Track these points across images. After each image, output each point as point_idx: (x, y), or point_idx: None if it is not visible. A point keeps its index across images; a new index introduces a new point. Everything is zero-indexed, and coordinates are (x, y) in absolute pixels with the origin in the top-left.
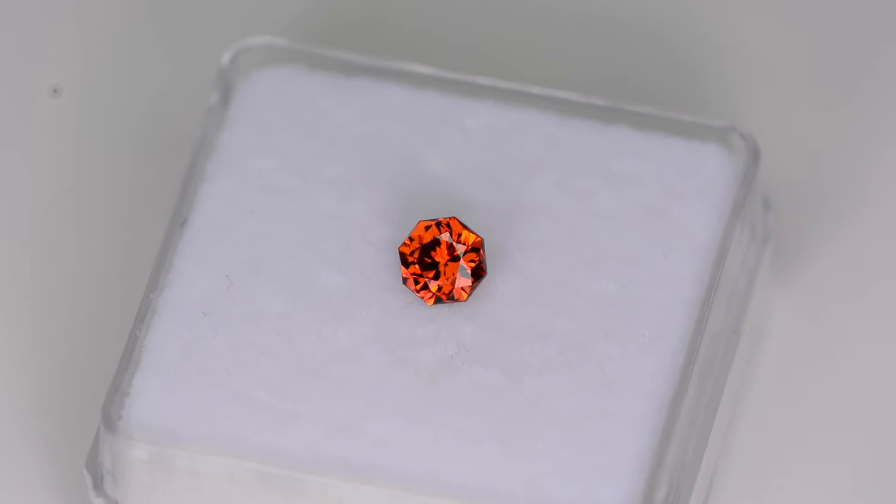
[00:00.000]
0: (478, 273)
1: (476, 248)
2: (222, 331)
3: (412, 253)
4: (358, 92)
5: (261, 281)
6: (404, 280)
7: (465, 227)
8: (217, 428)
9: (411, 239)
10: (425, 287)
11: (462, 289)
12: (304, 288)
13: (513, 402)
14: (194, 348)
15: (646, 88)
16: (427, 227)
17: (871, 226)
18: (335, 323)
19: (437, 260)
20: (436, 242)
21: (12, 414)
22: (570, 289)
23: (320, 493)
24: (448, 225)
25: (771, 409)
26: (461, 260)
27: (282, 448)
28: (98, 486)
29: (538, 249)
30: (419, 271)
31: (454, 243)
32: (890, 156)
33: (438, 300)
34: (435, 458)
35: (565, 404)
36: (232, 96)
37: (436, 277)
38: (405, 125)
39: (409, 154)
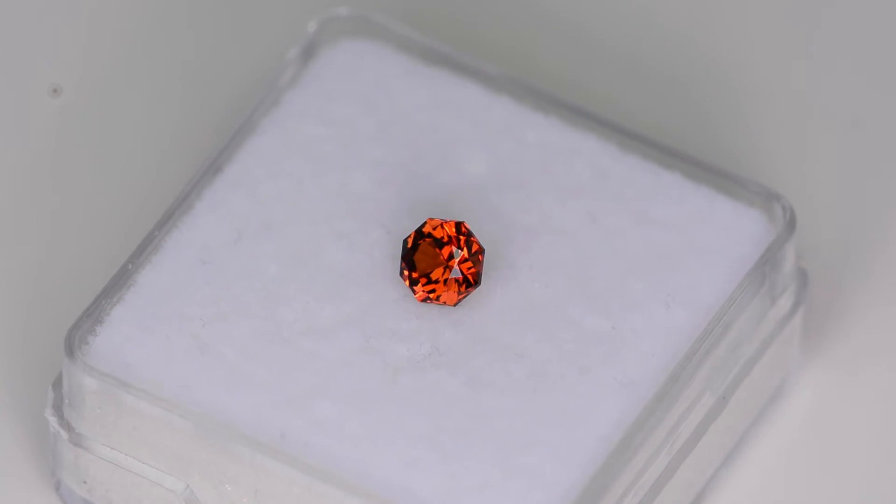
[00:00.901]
0: (470, 281)
1: (476, 257)
2: (214, 282)
3: (412, 248)
4: (432, 81)
5: (268, 242)
6: (400, 272)
7: (471, 233)
8: (171, 374)
9: (417, 233)
10: (417, 283)
11: (451, 293)
12: (307, 259)
13: (464, 413)
14: (180, 293)
15: (691, 139)
16: (435, 227)
17: None
18: (324, 299)
19: (434, 260)
20: (438, 243)
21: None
22: (563, 318)
23: (248, 461)
24: (456, 227)
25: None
26: (456, 264)
27: (226, 407)
28: (57, 405)
29: (546, 273)
30: (414, 267)
31: (454, 248)
32: None
33: (428, 298)
34: (367, 451)
35: (514, 428)
36: (311, 60)
37: (427, 276)
38: (465, 124)
39: (459, 153)
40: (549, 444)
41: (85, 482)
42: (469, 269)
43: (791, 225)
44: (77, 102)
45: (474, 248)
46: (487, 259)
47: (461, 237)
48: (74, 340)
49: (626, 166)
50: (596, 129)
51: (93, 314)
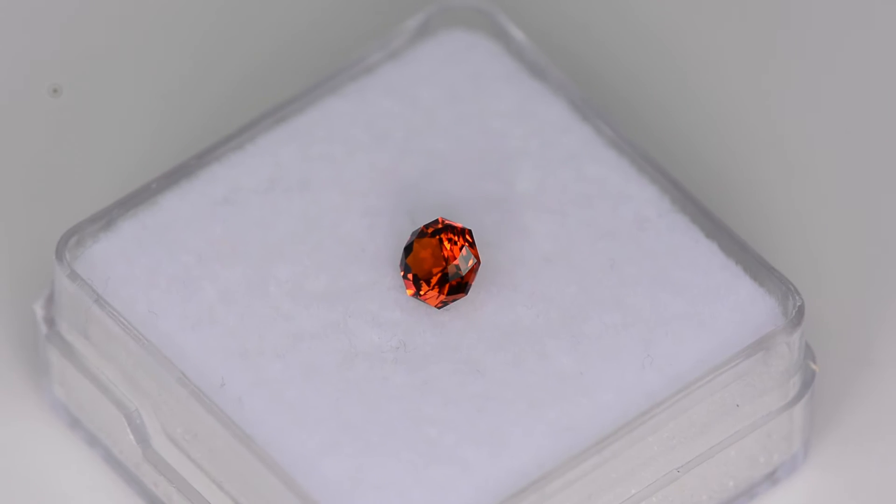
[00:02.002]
0: (456, 289)
1: (471, 268)
2: (228, 223)
3: (412, 243)
4: (523, 90)
5: (296, 200)
6: (400, 261)
7: (474, 244)
8: (146, 297)
9: (424, 230)
10: (408, 276)
11: (436, 295)
12: (324, 226)
13: (401, 412)
14: (192, 224)
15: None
16: (443, 228)
17: None
18: (322, 268)
19: (429, 258)
20: (439, 244)
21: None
22: (538, 350)
23: (184, 401)
24: (462, 233)
25: None
26: (448, 269)
27: (182, 343)
28: (48, 300)
29: (543, 302)
30: (408, 263)
31: (452, 253)
32: None
33: (417, 294)
34: (293, 422)
35: (441, 440)
36: (420, 40)
37: (418, 272)
38: (535, 141)
39: (515, 167)
40: (467, 464)
41: (61, 384)
42: (461, 277)
43: (795, 321)
44: (77, 102)
45: (471, 258)
46: (494, 275)
47: (463, 244)
48: (69, 241)
49: (670, 223)
50: (658, 181)
51: (99, 220)
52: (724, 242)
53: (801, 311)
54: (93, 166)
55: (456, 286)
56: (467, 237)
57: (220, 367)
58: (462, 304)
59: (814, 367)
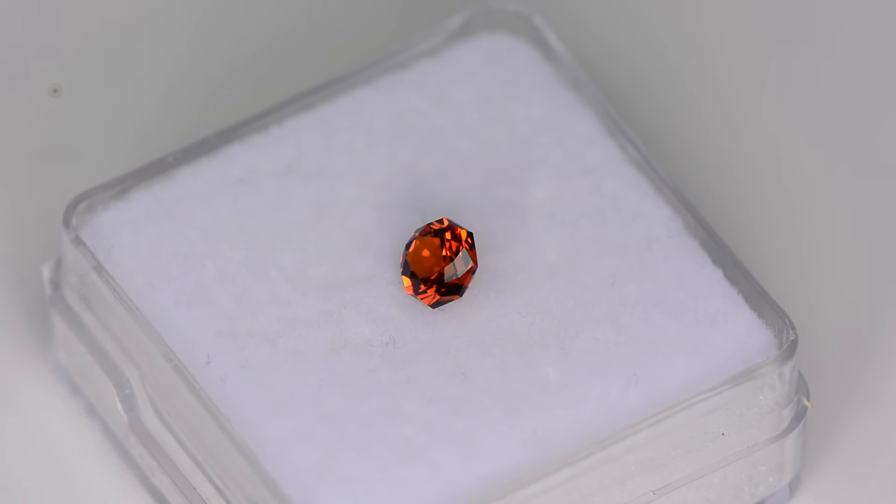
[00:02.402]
0: (450, 291)
1: (468, 271)
2: (239, 203)
3: (413, 240)
4: (555, 101)
5: (311, 187)
6: (401, 259)
7: (473, 246)
8: (146, 269)
9: (427, 228)
10: (405, 273)
11: (431, 294)
12: (335, 215)
13: (380, 408)
14: (204, 201)
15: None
16: (445, 228)
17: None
18: (325, 256)
19: (427, 257)
20: (440, 244)
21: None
22: (526, 360)
23: (167, 376)
24: (466, 241)
25: None
26: (444, 270)
27: (173, 317)
28: (56, 264)
29: (539, 313)
30: (407, 260)
31: (450, 256)
32: None
33: (413, 291)
34: (271, 407)
35: (415, 439)
36: (460, 39)
37: (414, 272)
38: (558, 151)
39: (533, 175)
40: (436, 466)
41: (63, 350)
42: (456, 280)
43: (786, 355)
44: (77, 102)
45: (469, 262)
46: (494, 280)
47: (463, 247)
48: (78, 207)
49: (678, 245)
50: (673, 203)
51: (112, 188)
52: (728, 270)
53: (793, 345)
54: (115, 134)
55: (450, 288)
56: (468, 240)
57: (208, 346)
58: (458, 305)
59: (807, 403)
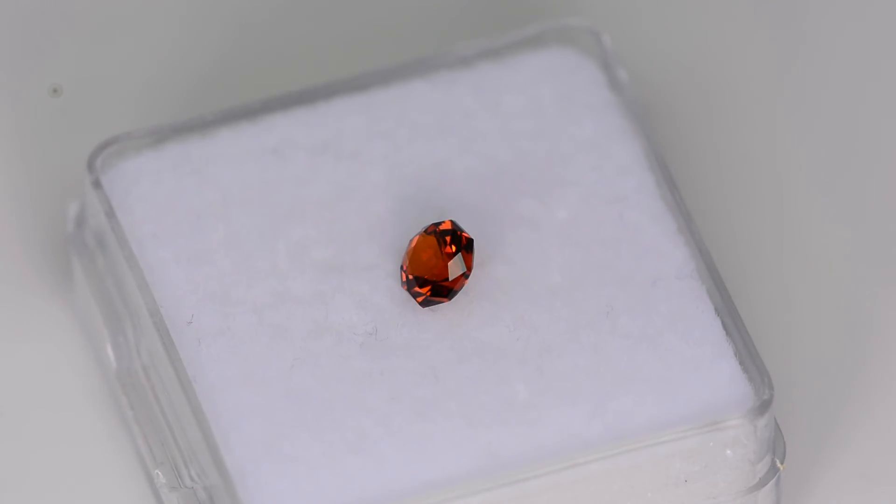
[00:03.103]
0: (439, 292)
1: (459, 276)
2: (266, 172)
3: (419, 237)
4: (604, 124)
5: (339, 168)
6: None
7: (471, 253)
8: (155, 220)
9: (434, 228)
10: (402, 269)
11: (422, 293)
12: (354, 200)
13: (343, 396)
14: (232, 163)
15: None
16: (448, 231)
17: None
18: (334, 238)
19: (425, 256)
20: (439, 245)
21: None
22: (499, 375)
23: (148, 330)
24: (462, 241)
25: None
26: (436, 272)
27: (168, 273)
28: (82, 204)
29: (527, 331)
30: (406, 256)
31: (445, 258)
32: None
33: (405, 285)
34: (234, 376)
35: (367, 432)
36: (525, 49)
37: (410, 268)
38: (592, 175)
39: (558, 194)
40: (383, 463)
41: (79, 290)
42: (445, 283)
43: (758, 412)
44: (77, 102)
45: (462, 267)
46: (493, 290)
47: (459, 252)
48: (106, 150)
49: (684, 288)
50: (692, 246)
51: (146, 137)
52: (726, 321)
53: (766, 404)
54: (164, 85)
55: (440, 289)
56: (465, 246)
57: (196, 306)
58: (450, 309)
59: (779, 465)
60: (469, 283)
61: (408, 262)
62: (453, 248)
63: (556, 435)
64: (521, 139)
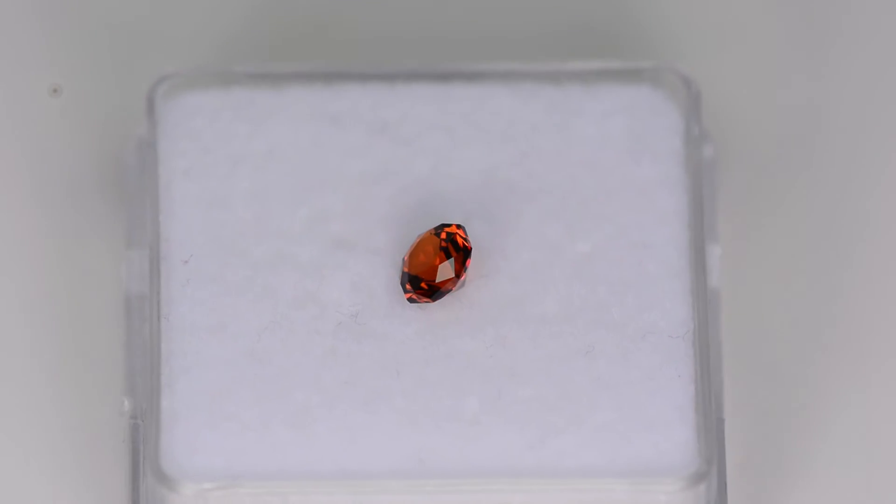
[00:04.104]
0: (424, 292)
1: (447, 280)
2: (319, 139)
3: (423, 236)
4: (662, 172)
5: (391, 152)
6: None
7: (463, 261)
8: (191, 161)
9: (440, 229)
10: (402, 262)
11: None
12: (392, 185)
13: (295, 363)
14: (290, 124)
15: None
16: (453, 237)
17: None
18: (356, 217)
19: (422, 256)
20: (437, 246)
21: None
22: (456, 385)
23: (143, 262)
24: (459, 247)
25: None
26: (423, 271)
27: (183, 214)
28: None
29: (503, 352)
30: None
31: (437, 260)
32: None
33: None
34: (203, 322)
35: (305, 406)
36: (621, 81)
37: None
38: (628, 217)
39: (591, 229)
40: (312, 441)
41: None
42: (442, 287)
43: (693, 481)
44: (77, 102)
45: (451, 273)
46: (487, 304)
47: (451, 257)
48: (171, 79)
49: (671, 348)
50: (697, 310)
51: (216, 76)
52: (702, 390)
53: (701, 476)
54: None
55: (424, 289)
56: (461, 252)
57: (198, 247)
58: (439, 310)
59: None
60: (468, 290)
61: (407, 257)
62: (448, 252)
63: (487, 457)
64: (575, 165)
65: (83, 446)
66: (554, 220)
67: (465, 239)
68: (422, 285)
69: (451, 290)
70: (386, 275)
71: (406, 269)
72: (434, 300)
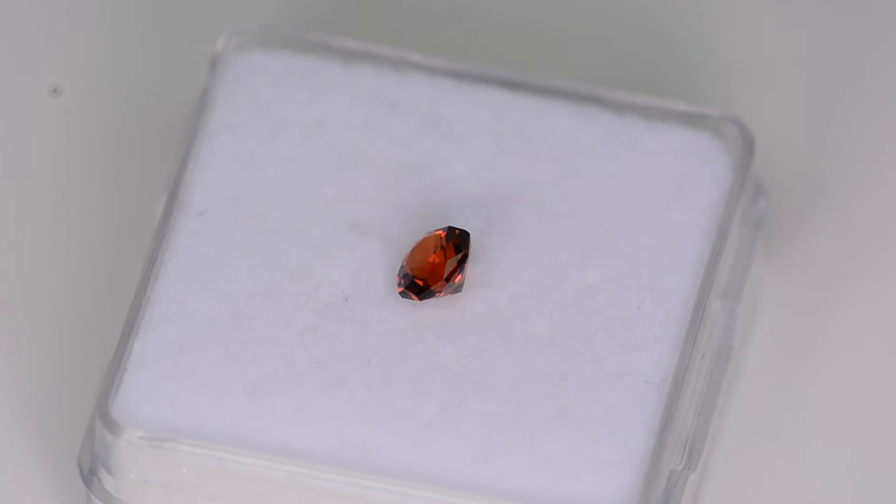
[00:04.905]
0: (413, 289)
1: (440, 283)
2: (370, 122)
3: (429, 236)
4: (695, 222)
5: (436, 146)
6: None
7: (457, 266)
8: (241, 116)
9: (447, 231)
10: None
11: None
12: (427, 178)
13: (273, 333)
14: (350, 101)
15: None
16: (456, 240)
17: (865, 213)
18: (381, 204)
19: (420, 256)
20: (436, 248)
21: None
22: (420, 384)
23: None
24: (457, 254)
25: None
26: (416, 269)
27: (214, 166)
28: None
29: (477, 363)
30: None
31: (432, 260)
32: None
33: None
34: (196, 276)
35: (271, 378)
36: (684, 124)
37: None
38: (645, 258)
39: (601, 262)
40: (266, 413)
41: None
42: (432, 286)
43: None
44: (77, 102)
45: (439, 276)
46: (478, 316)
47: (444, 261)
48: (250, 33)
49: (641, 393)
50: (679, 360)
51: (296, 41)
52: (660, 439)
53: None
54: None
55: (413, 287)
56: (457, 258)
57: (218, 203)
58: (432, 311)
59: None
60: (464, 297)
61: (409, 251)
62: (442, 256)
63: (428, 463)
64: (611, 197)
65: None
66: (570, 245)
67: (466, 245)
68: (415, 282)
69: (439, 292)
70: (389, 266)
71: (404, 263)
72: (420, 299)
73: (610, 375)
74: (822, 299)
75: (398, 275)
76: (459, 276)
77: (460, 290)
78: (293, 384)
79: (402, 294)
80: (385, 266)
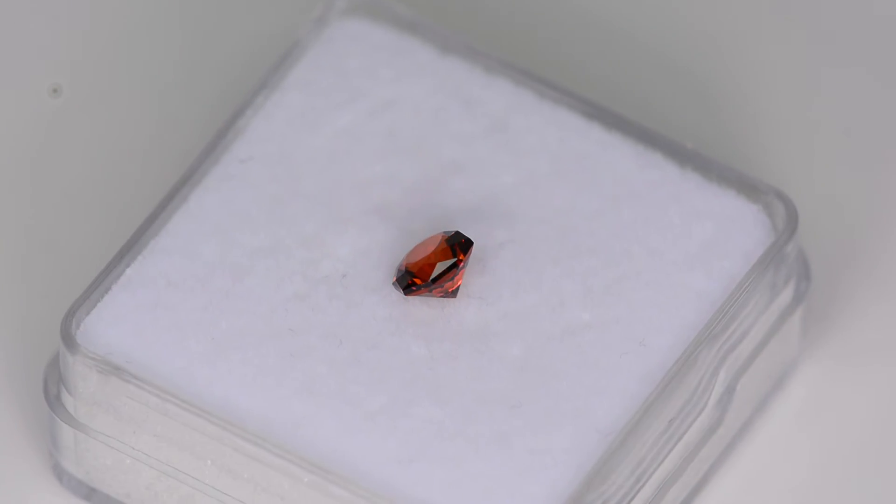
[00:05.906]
0: (406, 285)
1: (433, 285)
2: (422, 109)
3: (431, 235)
4: (713, 274)
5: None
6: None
7: (456, 271)
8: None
9: (452, 235)
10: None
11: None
12: (459, 176)
13: (258, 300)
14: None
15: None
16: (457, 245)
17: None
18: (403, 194)
19: (419, 253)
20: (436, 248)
21: None
22: (400, 378)
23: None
24: (455, 257)
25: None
26: (413, 266)
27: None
28: None
29: (461, 367)
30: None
31: (432, 261)
32: None
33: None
34: (205, 235)
35: (247, 346)
36: (730, 189)
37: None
38: (650, 275)
39: (606, 278)
40: (238, 384)
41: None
42: (419, 283)
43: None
44: (77, 102)
45: (453, 286)
46: (468, 324)
47: (442, 261)
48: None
49: (589, 441)
50: (649, 412)
51: (397, 15)
52: (591, 488)
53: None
54: None
55: (401, 279)
56: (455, 261)
57: (261, 154)
58: (424, 308)
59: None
60: (458, 303)
61: (413, 247)
62: (438, 257)
63: (353, 453)
64: (639, 245)
65: None
66: (580, 281)
67: (465, 253)
68: (406, 276)
69: (428, 291)
70: (398, 255)
71: (405, 256)
72: (406, 294)
73: (564, 414)
74: (858, 390)
75: (399, 265)
76: (454, 281)
77: (455, 296)
78: (257, 346)
79: (394, 284)
80: (394, 254)
